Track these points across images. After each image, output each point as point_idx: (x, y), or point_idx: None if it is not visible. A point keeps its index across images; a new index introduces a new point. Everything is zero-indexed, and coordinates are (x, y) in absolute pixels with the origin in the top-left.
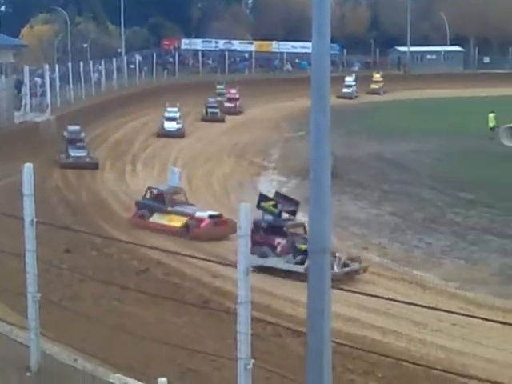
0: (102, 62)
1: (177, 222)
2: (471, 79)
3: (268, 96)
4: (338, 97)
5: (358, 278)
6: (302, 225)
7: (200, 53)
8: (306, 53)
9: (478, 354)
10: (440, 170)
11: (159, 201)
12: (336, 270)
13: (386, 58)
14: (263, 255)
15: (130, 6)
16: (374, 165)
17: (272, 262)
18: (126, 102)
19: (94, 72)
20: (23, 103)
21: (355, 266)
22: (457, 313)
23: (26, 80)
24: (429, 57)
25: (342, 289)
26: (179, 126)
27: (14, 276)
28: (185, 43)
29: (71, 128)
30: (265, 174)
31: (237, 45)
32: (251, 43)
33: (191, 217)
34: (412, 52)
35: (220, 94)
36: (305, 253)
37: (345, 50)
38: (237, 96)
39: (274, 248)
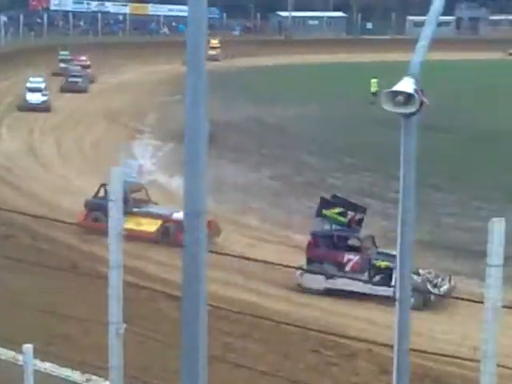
0: None
1: (149, 225)
2: (354, 45)
3: (143, 59)
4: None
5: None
6: (372, 237)
7: (71, 14)
8: (183, 16)
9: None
10: (321, 134)
11: None
12: (434, 290)
13: (267, 22)
14: (328, 275)
15: None
16: (254, 129)
17: (346, 283)
18: None
19: None
20: None
21: (449, 284)
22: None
23: None
24: (311, 22)
25: (216, 252)
26: (45, 98)
27: None
28: (54, 3)
29: None
30: (140, 137)
31: (110, 6)
32: (125, 5)
33: (168, 219)
34: (294, 17)
35: (64, 61)
36: (385, 271)
37: (224, 14)
38: (88, 63)
39: (340, 265)
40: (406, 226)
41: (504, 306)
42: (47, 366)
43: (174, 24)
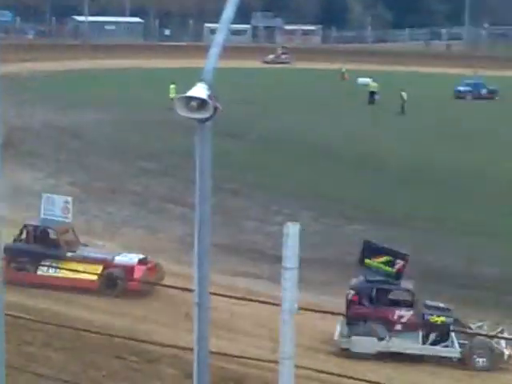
0: None
1: (88, 272)
2: (152, 51)
3: None
4: None
5: None
6: (409, 290)
7: None
8: None
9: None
10: (119, 140)
11: (46, 243)
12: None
13: (63, 27)
14: (378, 336)
15: None
16: (51, 135)
17: (401, 344)
18: None
19: None
20: None
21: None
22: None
23: None
24: (108, 27)
25: None
26: None
27: None
28: None
29: None
30: None
31: None
32: None
33: (109, 264)
34: (90, 22)
35: None
36: (442, 327)
37: (18, 18)
38: None
39: (389, 323)
40: (203, 229)
41: (300, 308)
42: None
43: None
